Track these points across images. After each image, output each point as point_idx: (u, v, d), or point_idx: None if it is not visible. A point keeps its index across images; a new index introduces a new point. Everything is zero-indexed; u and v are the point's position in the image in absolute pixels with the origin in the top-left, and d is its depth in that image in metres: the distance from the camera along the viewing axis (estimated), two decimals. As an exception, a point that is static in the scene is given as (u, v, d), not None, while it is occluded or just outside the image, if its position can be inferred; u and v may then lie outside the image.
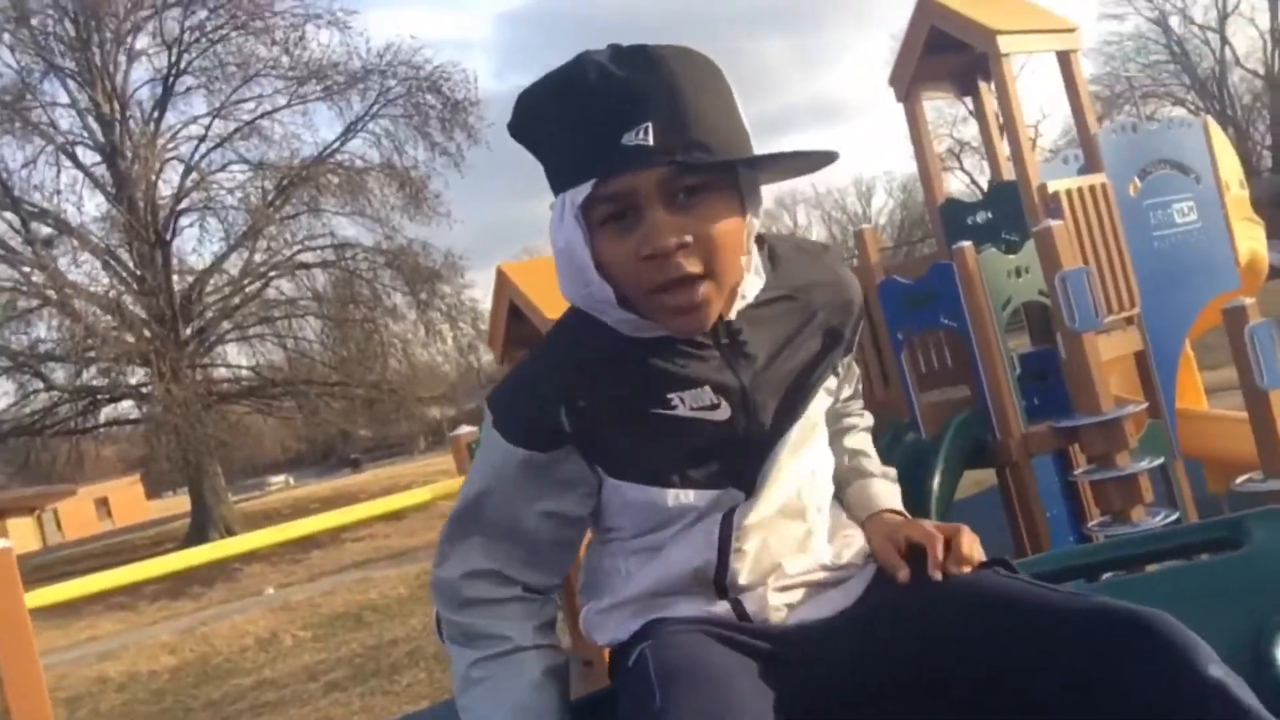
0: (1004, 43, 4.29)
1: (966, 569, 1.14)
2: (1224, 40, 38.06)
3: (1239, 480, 3.75)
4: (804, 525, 1.21)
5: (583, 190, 1.06)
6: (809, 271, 1.26)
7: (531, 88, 1.13)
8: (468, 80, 21.69)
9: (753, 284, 1.17)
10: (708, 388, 1.14)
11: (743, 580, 1.17)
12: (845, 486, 1.34)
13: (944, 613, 1.10)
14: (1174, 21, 38.75)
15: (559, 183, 1.11)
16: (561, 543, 1.20)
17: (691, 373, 1.14)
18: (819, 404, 1.24)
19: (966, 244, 4.11)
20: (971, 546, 1.16)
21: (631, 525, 1.20)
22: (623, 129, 1.04)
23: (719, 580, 1.18)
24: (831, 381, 1.28)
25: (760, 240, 1.20)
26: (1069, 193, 4.33)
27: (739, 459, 1.16)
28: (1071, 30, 4.62)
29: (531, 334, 4.40)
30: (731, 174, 1.10)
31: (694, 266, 1.07)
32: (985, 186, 5.41)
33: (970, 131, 38.94)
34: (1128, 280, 4.49)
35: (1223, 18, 37.86)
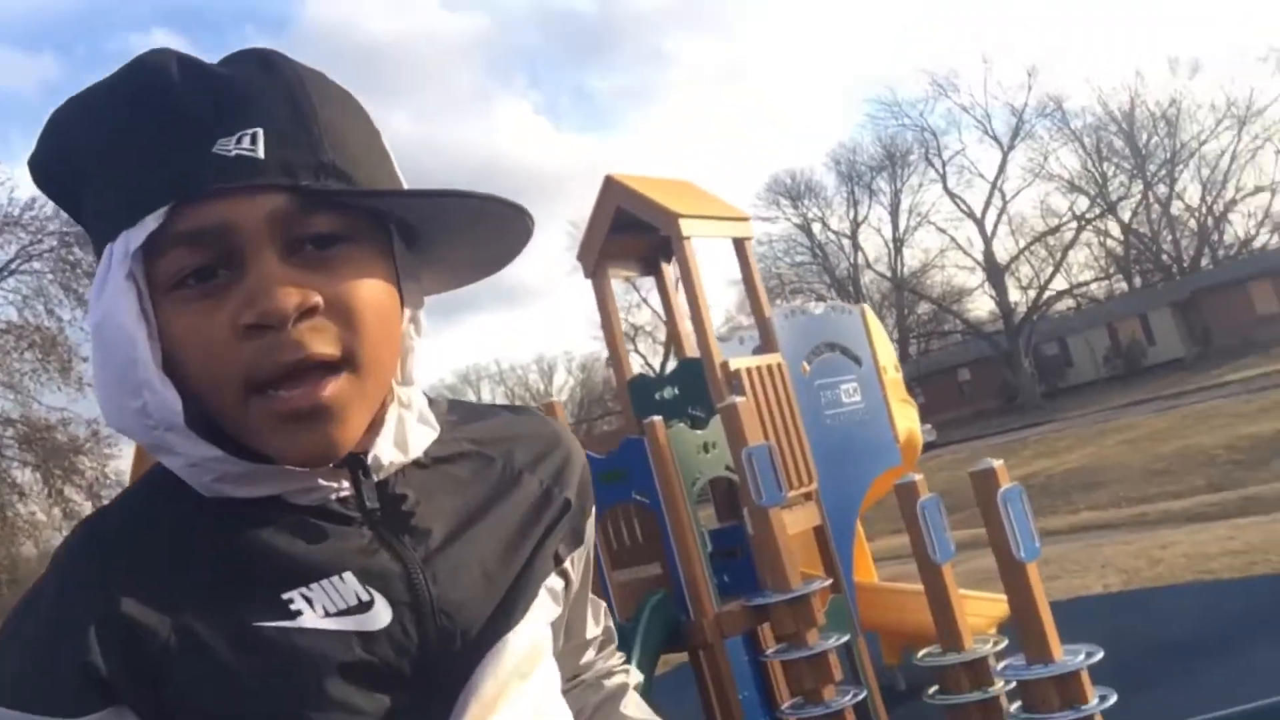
0: (685, 226, 4.40)
1: None
2: (856, 246, 43.43)
3: (920, 654, 3.80)
4: None
5: (145, 227, 0.67)
6: (507, 424, 0.89)
7: (73, 99, 0.72)
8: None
9: (420, 434, 0.80)
10: (351, 576, 0.72)
11: None
12: None
13: None
14: (816, 228, 43.88)
15: (101, 227, 0.70)
16: None
17: (324, 555, 0.72)
18: (541, 610, 0.83)
19: (657, 418, 4.06)
20: None
21: None
22: (217, 134, 0.68)
23: None
24: (556, 581, 0.86)
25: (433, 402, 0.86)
26: (749, 371, 4.43)
27: (414, 696, 0.72)
28: (745, 219, 4.86)
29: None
30: (383, 237, 0.75)
31: (325, 346, 0.69)
32: (658, 370, 5.54)
33: (644, 317, 41.36)
34: (805, 456, 4.61)
35: (855, 227, 43.31)
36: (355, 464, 0.75)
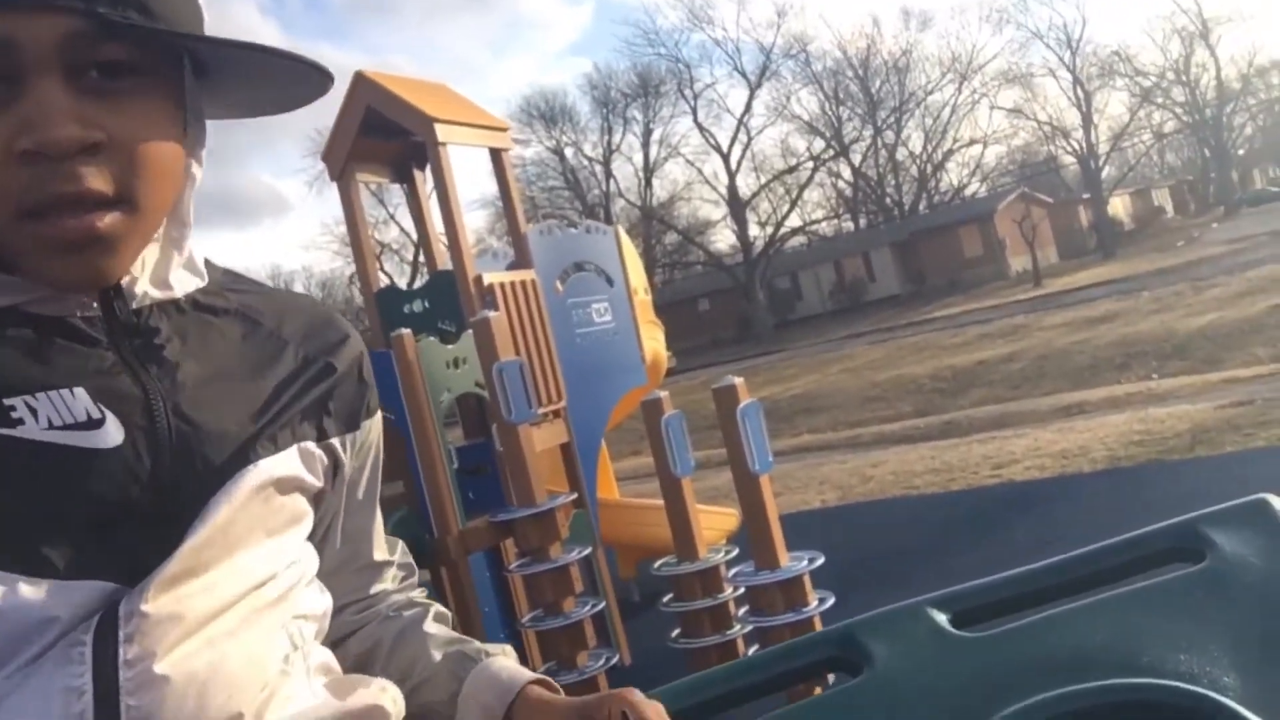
0: (441, 131, 4.24)
1: None
2: (608, 173, 43.84)
3: (658, 564, 3.95)
4: (272, 656, 0.73)
5: None
6: (283, 299, 0.87)
7: None
8: None
9: (183, 278, 0.78)
10: (82, 392, 0.68)
11: None
12: (445, 686, 0.88)
13: None
14: (569, 153, 43.87)
15: None
16: None
17: (55, 368, 0.68)
18: (291, 463, 0.78)
19: (406, 331, 3.93)
20: None
21: None
22: None
23: None
24: (317, 449, 0.81)
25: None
26: (503, 285, 4.37)
27: (141, 525, 0.68)
28: (504, 129, 4.74)
29: None
30: (174, 77, 0.72)
31: (101, 182, 0.66)
32: (405, 288, 5.41)
33: (390, 234, 40.12)
34: (555, 374, 4.63)
35: (607, 154, 43.67)
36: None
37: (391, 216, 39.39)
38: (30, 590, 0.64)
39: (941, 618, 0.68)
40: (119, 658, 0.65)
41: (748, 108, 42.72)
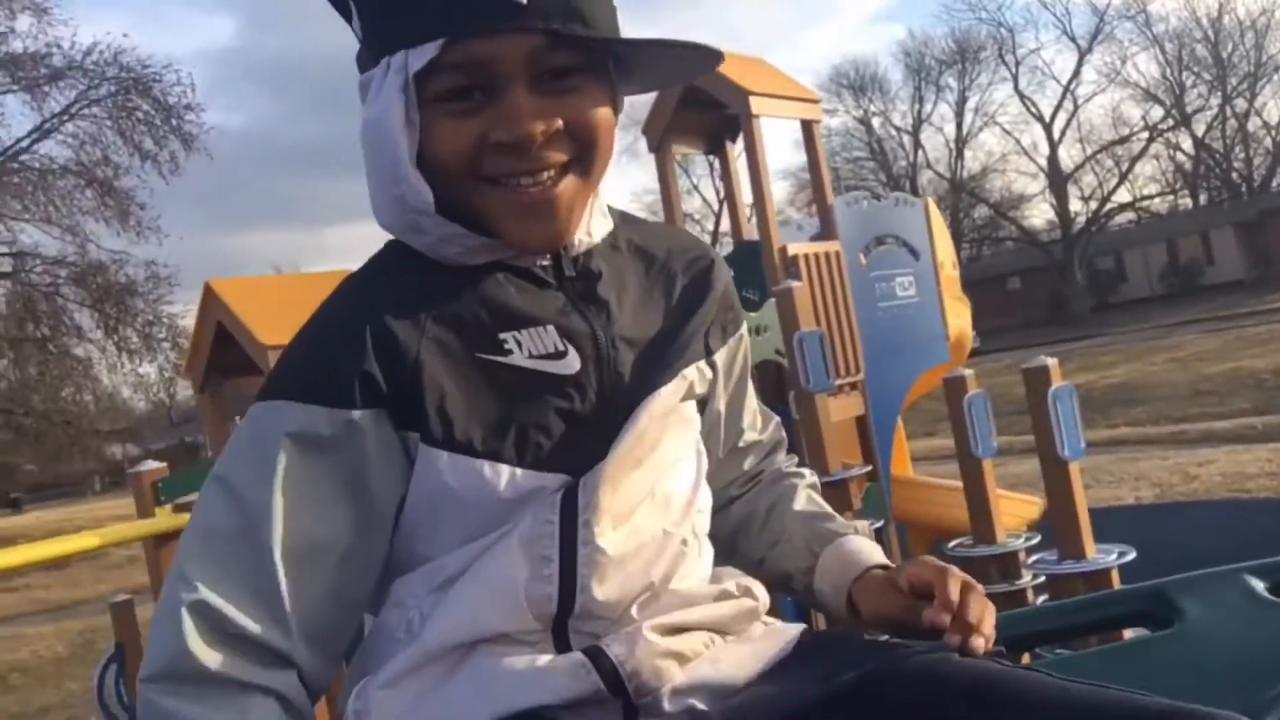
0: (756, 104, 4.34)
1: (983, 645, 0.86)
2: (917, 144, 42.38)
3: (951, 544, 3.89)
4: (676, 538, 0.93)
5: (425, 52, 0.81)
6: (663, 234, 1.06)
7: None
8: (183, 84, 19.92)
9: (601, 224, 0.97)
10: (552, 329, 0.90)
11: (600, 595, 0.87)
12: (804, 559, 1.06)
13: (944, 709, 0.81)
14: (876, 122, 42.78)
15: (383, 42, 0.85)
16: (356, 577, 0.86)
17: (532, 308, 0.90)
18: (688, 380, 0.98)
19: (712, 297, 4.09)
20: (987, 613, 0.89)
21: (443, 536, 0.88)
22: None
23: (564, 606, 0.86)
24: (705, 367, 1.00)
25: None
26: (807, 257, 4.42)
27: (588, 432, 0.89)
28: (816, 101, 4.78)
29: (239, 361, 3.92)
30: (604, 66, 0.90)
31: (559, 155, 0.86)
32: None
33: (693, 204, 40.96)
34: (855, 346, 4.64)
35: (917, 124, 42.18)
36: None
37: (695, 187, 40.20)
38: (517, 475, 0.86)
39: (1259, 584, 0.68)
40: (577, 537, 0.87)
41: (1076, 73, 39.81)
